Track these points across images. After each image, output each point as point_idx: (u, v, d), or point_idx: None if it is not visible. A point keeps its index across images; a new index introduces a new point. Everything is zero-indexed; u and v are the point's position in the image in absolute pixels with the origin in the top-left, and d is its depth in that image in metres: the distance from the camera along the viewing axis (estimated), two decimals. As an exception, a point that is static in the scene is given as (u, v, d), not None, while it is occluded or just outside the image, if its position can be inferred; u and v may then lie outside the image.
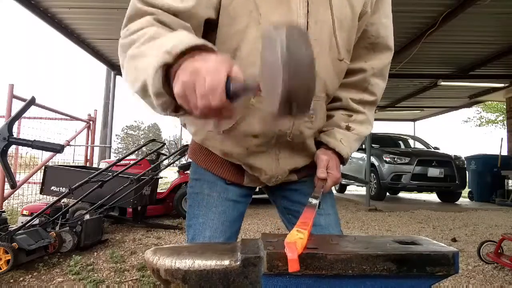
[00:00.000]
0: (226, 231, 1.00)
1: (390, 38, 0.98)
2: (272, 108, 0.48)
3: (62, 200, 3.07)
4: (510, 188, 8.02)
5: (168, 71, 0.59)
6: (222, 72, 0.53)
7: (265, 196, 1.27)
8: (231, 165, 1.00)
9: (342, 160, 0.99)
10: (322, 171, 0.94)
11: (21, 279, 2.40)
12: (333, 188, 1.04)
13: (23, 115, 2.61)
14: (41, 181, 4.40)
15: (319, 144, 1.00)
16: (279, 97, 0.45)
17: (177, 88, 0.56)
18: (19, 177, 5.76)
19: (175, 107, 0.62)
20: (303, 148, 0.98)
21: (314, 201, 0.81)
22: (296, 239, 0.58)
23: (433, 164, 7.75)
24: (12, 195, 5.36)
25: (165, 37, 0.63)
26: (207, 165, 1.02)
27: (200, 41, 0.59)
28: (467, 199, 9.14)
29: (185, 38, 0.60)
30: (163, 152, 5.32)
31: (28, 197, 5.72)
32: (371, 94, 1.00)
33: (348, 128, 0.99)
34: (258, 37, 0.81)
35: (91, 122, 6.89)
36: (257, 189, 1.12)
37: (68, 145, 6.01)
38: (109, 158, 8.21)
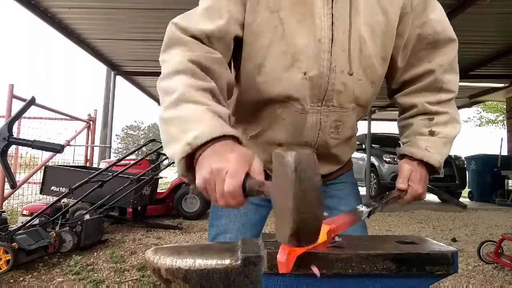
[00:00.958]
0: (246, 233, 1.01)
1: (448, 29, 0.91)
2: (282, 239, 0.48)
3: (62, 200, 3.07)
4: (510, 188, 8.02)
5: (193, 153, 0.62)
6: (241, 175, 0.56)
7: None
8: None
9: (434, 170, 0.90)
10: (402, 181, 0.88)
11: (21, 279, 2.40)
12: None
13: (23, 115, 2.61)
14: (41, 181, 4.40)
15: (402, 156, 0.94)
16: (289, 231, 0.45)
17: (198, 181, 0.60)
18: (19, 177, 5.76)
19: None
20: (329, 157, 0.96)
21: (363, 209, 0.76)
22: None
23: (433, 164, 7.75)
24: (12, 195, 5.36)
25: (192, 113, 0.64)
26: None
27: (221, 130, 0.61)
28: (467, 199, 9.14)
29: (207, 126, 0.62)
30: (163, 152, 5.31)
31: (28, 197, 5.72)
32: (448, 92, 0.92)
33: (432, 133, 0.91)
34: (282, 52, 0.81)
35: (91, 122, 6.89)
36: None
37: (68, 145, 6.01)
38: (109, 158, 8.20)
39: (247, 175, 0.57)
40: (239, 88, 0.91)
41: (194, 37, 0.76)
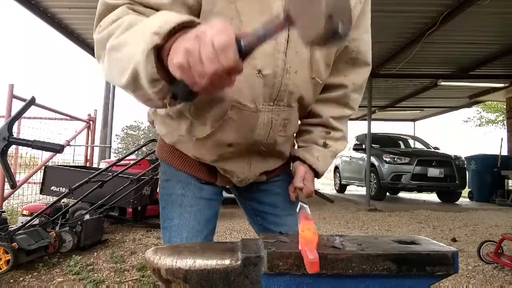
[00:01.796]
0: (203, 230, 0.99)
1: (369, 53, 0.99)
2: (317, 33, 0.45)
3: (62, 200, 3.07)
4: (510, 188, 8.02)
5: (159, 55, 0.54)
6: (230, 30, 0.49)
7: None
8: (204, 166, 0.99)
9: (317, 175, 1.02)
10: (299, 181, 0.96)
11: (21, 279, 2.40)
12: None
13: (23, 115, 2.61)
14: (41, 181, 4.40)
15: (296, 158, 1.02)
16: (324, 19, 0.44)
17: (177, 58, 0.51)
18: (19, 177, 5.76)
19: (173, 95, 0.58)
20: (274, 153, 1.00)
21: (305, 205, 0.82)
22: (312, 237, 0.59)
23: (433, 164, 7.75)
24: (12, 195, 5.36)
25: (148, 20, 0.59)
26: (180, 165, 1.00)
27: (188, 17, 0.55)
28: (467, 199, 9.14)
29: (171, 16, 0.55)
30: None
31: (28, 197, 5.72)
32: (350, 108, 1.02)
33: (325, 145, 1.01)
34: None
35: (91, 122, 6.89)
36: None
37: (68, 145, 6.01)
38: (109, 158, 8.21)
39: (237, 37, 0.50)
40: None
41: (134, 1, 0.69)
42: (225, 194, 1.14)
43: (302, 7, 0.48)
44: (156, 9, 0.69)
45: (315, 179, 1.03)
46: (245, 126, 0.87)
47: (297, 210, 0.81)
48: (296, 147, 1.08)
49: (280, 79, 0.84)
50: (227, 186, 1.08)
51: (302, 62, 0.85)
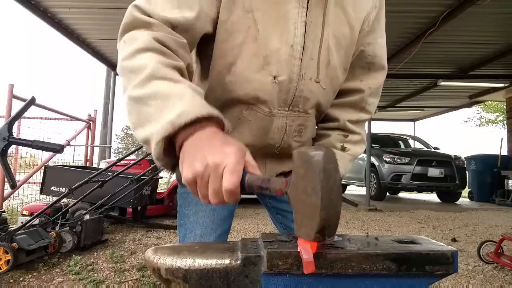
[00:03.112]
0: (217, 229, 1.01)
1: (384, 57, 0.99)
2: (306, 236, 0.50)
3: (62, 200, 3.07)
4: (510, 188, 8.02)
5: (171, 138, 0.57)
6: (240, 172, 0.53)
7: None
8: None
9: None
10: None
11: (21, 279, 2.40)
12: None
13: (23, 115, 2.61)
14: (41, 181, 4.40)
15: None
16: (316, 227, 0.47)
17: (188, 174, 0.54)
18: (19, 177, 5.76)
19: (173, 166, 0.61)
20: (289, 157, 0.99)
21: None
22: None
23: (433, 164, 7.75)
24: (12, 195, 5.36)
25: (169, 89, 0.60)
26: None
27: (206, 110, 0.57)
28: (467, 199, 9.15)
29: (190, 104, 0.57)
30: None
31: (28, 197, 5.72)
32: (367, 113, 1.02)
33: (343, 149, 1.00)
34: (254, 54, 0.81)
35: (91, 122, 6.89)
36: None
37: (68, 145, 6.01)
38: (109, 158, 8.21)
39: (244, 171, 0.55)
40: (207, 86, 0.90)
41: (159, 21, 0.70)
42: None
43: (301, 204, 0.50)
44: (182, 27, 0.71)
45: None
46: (259, 129, 0.89)
47: None
48: None
49: (295, 85, 0.85)
50: None
51: (321, 69, 0.86)
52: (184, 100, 0.58)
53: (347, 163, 1.00)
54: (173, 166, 0.62)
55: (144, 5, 0.69)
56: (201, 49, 0.88)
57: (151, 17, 0.69)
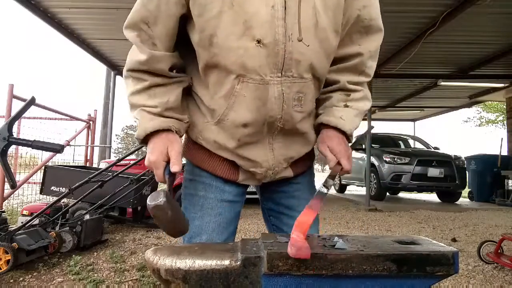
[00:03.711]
0: (223, 232, 1.00)
1: (380, 19, 0.97)
2: (166, 233, 0.83)
3: (62, 200, 3.07)
4: (510, 188, 8.01)
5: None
6: (161, 170, 0.86)
7: None
8: (226, 162, 0.99)
9: (347, 137, 0.96)
10: (331, 159, 0.91)
11: (21, 279, 2.40)
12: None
13: (23, 115, 2.61)
14: (41, 181, 4.40)
15: (319, 128, 0.98)
16: (169, 234, 0.84)
17: (147, 162, 0.87)
18: (19, 177, 5.76)
19: None
20: (296, 134, 0.96)
21: (325, 190, 0.81)
22: (303, 226, 0.66)
23: (433, 164, 7.74)
24: (12, 195, 5.36)
25: (138, 120, 0.91)
26: (202, 162, 1.00)
27: (150, 127, 0.87)
28: (467, 199, 9.14)
29: (145, 126, 0.88)
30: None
31: (28, 197, 5.71)
32: (367, 76, 1.00)
33: (346, 106, 0.97)
34: (233, 21, 0.80)
35: (91, 122, 6.89)
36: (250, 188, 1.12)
37: (68, 145, 6.01)
38: (109, 158, 8.21)
39: (168, 163, 0.87)
40: (202, 64, 0.90)
41: (137, 28, 0.86)
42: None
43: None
44: (150, 19, 0.85)
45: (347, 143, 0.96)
46: (256, 101, 0.86)
47: (315, 192, 0.80)
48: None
49: (283, 47, 0.82)
50: (250, 185, 1.07)
51: (306, 29, 0.82)
52: (140, 123, 0.89)
53: (353, 118, 0.96)
54: None
55: (126, 22, 0.88)
56: (189, 30, 0.89)
57: (129, 26, 0.88)
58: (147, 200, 0.77)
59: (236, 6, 0.79)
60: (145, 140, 0.89)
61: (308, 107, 0.94)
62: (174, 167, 0.84)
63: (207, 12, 0.80)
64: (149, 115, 0.88)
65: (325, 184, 0.82)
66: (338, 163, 0.90)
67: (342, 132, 0.94)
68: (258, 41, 0.80)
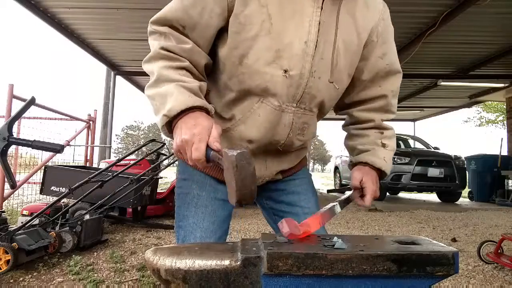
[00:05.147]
0: (217, 230, 1.01)
1: (398, 61, 1.06)
2: (231, 201, 0.70)
3: (62, 200, 3.07)
4: (510, 188, 8.01)
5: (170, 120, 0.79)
6: (203, 147, 0.73)
7: None
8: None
9: (383, 176, 1.07)
10: (356, 182, 1.02)
11: (21, 279, 2.40)
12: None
13: (23, 115, 2.61)
14: (41, 181, 4.40)
15: (359, 164, 1.07)
16: (235, 201, 0.68)
17: (174, 146, 0.78)
18: (19, 177, 5.76)
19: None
20: (290, 154, 1.04)
21: (337, 209, 0.91)
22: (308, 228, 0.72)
23: (433, 164, 7.74)
24: (12, 195, 5.36)
25: (166, 91, 0.80)
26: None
27: (186, 104, 0.77)
28: (467, 199, 9.14)
29: (177, 100, 0.77)
30: (163, 152, 5.32)
31: (28, 197, 5.72)
32: (392, 113, 1.10)
33: (384, 145, 1.07)
34: (267, 47, 0.84)
35: (91, 122, 6.89)
36: None
37: (68, 145, 6.01)
38: (109, 158, 8.21)
39: (208, 147, 0.75)
40: (225, 77, 0.92)
41: (169, 26, 0.84)
42: None
43: (228, 184, 0.70)
44: (189, 25, 0.84)
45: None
46: (267, 123, 0.91)
47: (327, 207, 0.88)
48: (353, 152, 1.12)
49: (306, 81, 0.88)
50: None
51: (326, 68, 0.89)
52: (173, 97, 0.78)
53: (391, 159, 1.08)
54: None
55: (156, 17, 0.86)
56: (218, 41, 0.90)
57: (161, 21, 0.84)
58: (225, 152, 0.68)
59: (273, 34, 0.83)
60: (176, 116, 0.78)
61: (308, 137, 1.03)
62: (216, 144, 0.74)
63: (244, 32, 0.84)
64: (187, 92, 0.79)
65: (340, 205, 0.92)
66: (361, 196, 1.03)
67: (380, 171, 1.05)
68: (285, 71, 0.86)
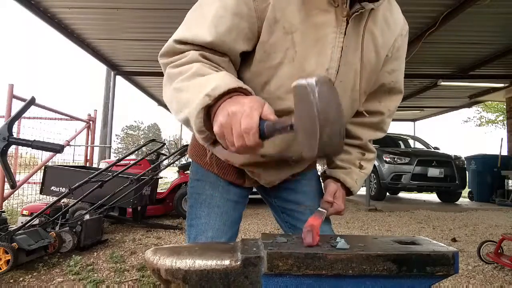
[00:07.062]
0: (228, 231, 1.02)
1: (402, 82, 1.05)
2: (311, 154, 0.54)
3: (62, 200, 3.07)
4: (510, 188, 8.01)
5: (209, 109, 0.67)
6: (256, 115, 0.61)
7: None
8: (233, 168, 1.03)
9: (349, 194, 1.08)
10: (329, 196, 1.03)
11: (21, 279, 2.40)
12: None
13: (23, 115, 2.61)
14: (41, 181, 4.40)
15: (331, 177, 1.07)
16: (317, 148, 0.51)
17: (216, 128, 0.64)
18: (19, 177, 5.76)
19: (214, 141, 0.70)
20: (300, 165, 1.06)
21: (323, 211, 0.95)
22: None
23: (433, 164, 7.74)
24: (12, 195, 5.36)
25: (207, 77, 0.70)
26: (210, 166, 1.05)
27: (236, 83, 0.67)
28: (467, 199, 9.14)
29: (223, 80, 0.67)
30: (163, 152, 5.33)
31: (28, 197, 5.72)
32: (383, 132, 1.09)
33: (361, 167, 1.08)
34: (290, 75, 0.83)
35: (91, 122, 6.88)
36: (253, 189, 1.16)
37: (68, 145, 6.01)
38: (109, 158, 8.20)
39: (261, 118, 0.61)
40: None
41: (197, 45, 0.76)
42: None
43: (304, 128, 0.56)
44: (221, 45, 0.77)
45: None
46: (283, 143, 0.92)
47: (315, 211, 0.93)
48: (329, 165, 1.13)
49: None
50: (254, 187, 1.12)
51: (346, 89, 0.89)
52: (217, 77, 0.68)
53: (362, 181, 1.08)
54: (214, 141, 0.70)
55: (180, 35, 0.77)
56: (242, 64, 0.89)
57: (188, 44, 0.76)
58: (295, 84, 0.54)
59: (296, 62, 0.82)
60: (220, 98, 0.66)
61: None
62: (272, 115, 0.63)
63: (269, 61, 0.83)
64: (233, 77, 0.72)
65: (323, 207, 0.99)
66: (328, 203, 1.04)
67: (349, 191, 1.07)
68: None
